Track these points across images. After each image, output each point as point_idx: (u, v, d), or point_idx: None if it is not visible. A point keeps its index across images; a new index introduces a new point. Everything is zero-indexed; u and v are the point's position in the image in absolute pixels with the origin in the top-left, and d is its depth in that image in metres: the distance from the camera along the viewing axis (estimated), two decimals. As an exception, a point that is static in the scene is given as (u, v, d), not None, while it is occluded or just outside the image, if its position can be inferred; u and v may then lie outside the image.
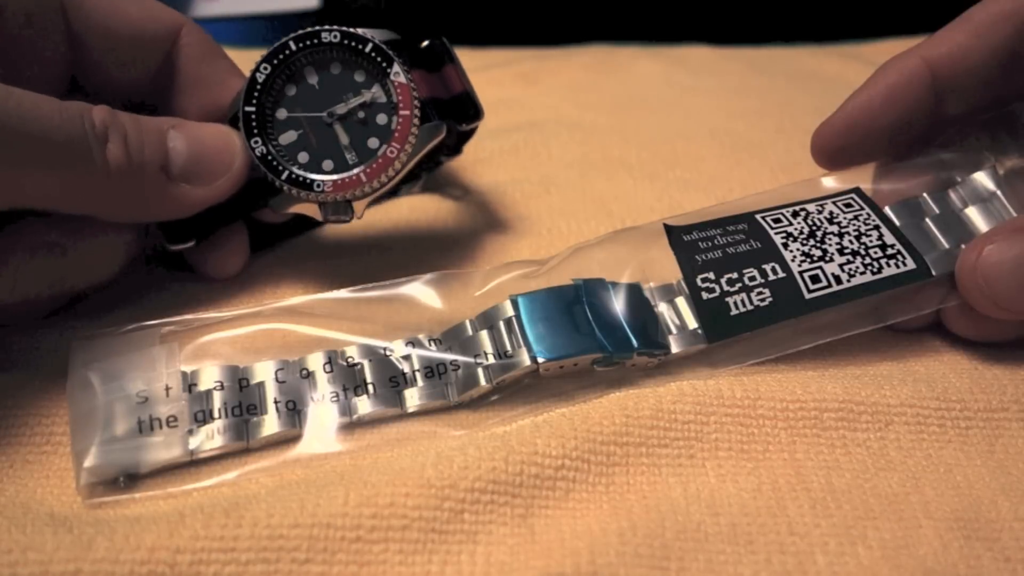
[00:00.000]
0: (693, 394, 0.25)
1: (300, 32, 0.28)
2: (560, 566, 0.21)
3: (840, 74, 0.49)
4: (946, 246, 0.27)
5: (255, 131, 0.28)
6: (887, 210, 0.28)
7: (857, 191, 0.28)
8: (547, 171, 0.39)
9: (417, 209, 0.35)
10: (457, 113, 0.31)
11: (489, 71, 0.48)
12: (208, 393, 0.24)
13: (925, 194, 0.28)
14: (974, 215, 0.28)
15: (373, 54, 0.28)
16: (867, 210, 0.27)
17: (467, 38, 0.50)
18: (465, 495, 0.22)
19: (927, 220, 0.28)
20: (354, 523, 0.21)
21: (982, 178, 0.28)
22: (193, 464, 0.24)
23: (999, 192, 0.28)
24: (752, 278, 0.26)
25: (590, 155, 0.40)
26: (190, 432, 0.24)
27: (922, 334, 0.28)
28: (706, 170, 0.39)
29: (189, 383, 0.25)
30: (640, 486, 0.23)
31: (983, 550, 0.22)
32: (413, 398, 0.25)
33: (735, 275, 0.26)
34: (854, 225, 0.27)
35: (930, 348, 0.27)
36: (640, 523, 0.22)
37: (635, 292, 0.27)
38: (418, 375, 0.25)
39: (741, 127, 0.42)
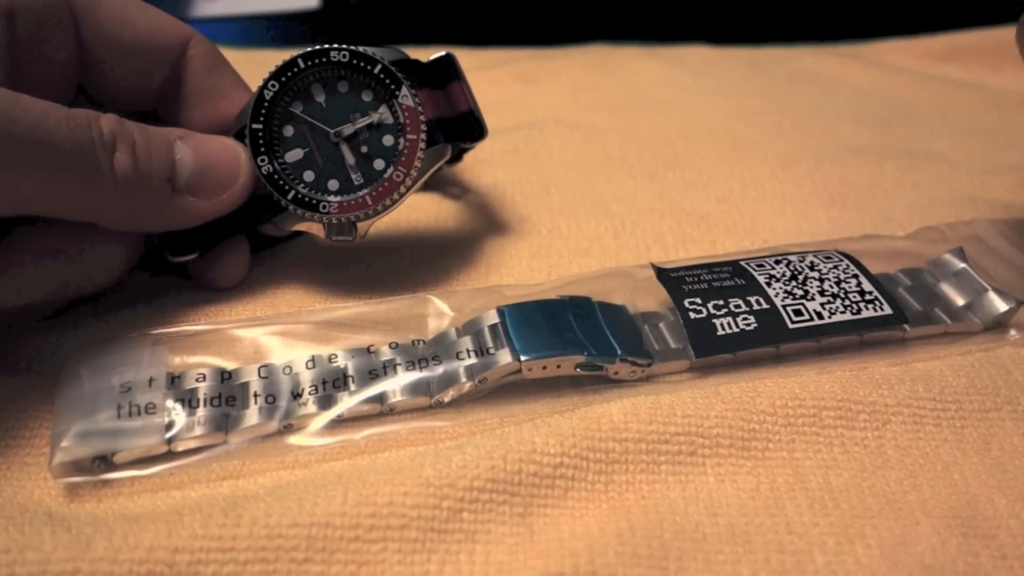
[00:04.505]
0: (691, 393, 0.25)
1: (309, 50, 0.28)
2: (559, 566, 0.21)
3: (840, 74, 0.49)
4: (920, 309, 0.28)
5: (262, 149, 0.28)
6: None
7: (837, 250, 0.30)
8: (547, 171, 0.39)
9: (417, 209, 0.35)
10: (461, 132, 0.31)
11: (489, 71, 0.48)
12: (191, 388, 0.24)
13: (899, 271, 0.30)
14: (947, 288, 0.29)
15: (381, 75, 0.28)
16: (847, 262, 0.29)
17: (467, 38, 0.50)
18: (464, 494, 0.22)
19: (900, 290, 0.29)
20: (353, 522, 0.21)
21: (950, 257, 0.30)
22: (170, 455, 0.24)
23: (967, 267, 0.29)
24: (737, 306, 0.27)
25: (590, 155, 0.40)
26: (170, 423, 0.24)
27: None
28: (706, 170, 0.39)
29: (173, 377, 0.25)
30: (639, 485, 0.23)
31: (980, 547, 0.22)
32: (396, 395, 0.25)
33: (721, 302, 0.27)
34: (834, 273, 0.28)
35: (927, 348, 0.27)
36: (638, 524, 0.22)
37: (621, 311, 0.28)
38: (399, 369, 0.25)
39: (741, 127, 0.42)
